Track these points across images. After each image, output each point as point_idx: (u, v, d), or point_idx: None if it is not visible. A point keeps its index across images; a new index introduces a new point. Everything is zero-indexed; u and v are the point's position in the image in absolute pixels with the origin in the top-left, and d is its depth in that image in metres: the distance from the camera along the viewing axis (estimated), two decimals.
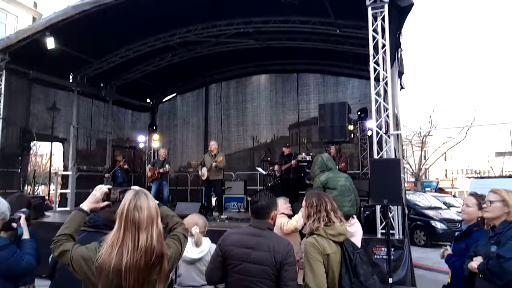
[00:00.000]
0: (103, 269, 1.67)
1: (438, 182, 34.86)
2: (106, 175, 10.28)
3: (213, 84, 14.11)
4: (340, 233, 2.42)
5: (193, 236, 2.76)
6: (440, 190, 29.55)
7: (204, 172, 8.22)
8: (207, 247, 2.81)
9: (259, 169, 10.44)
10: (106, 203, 2.05)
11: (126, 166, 10.10)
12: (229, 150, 13.41)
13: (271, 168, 9.99)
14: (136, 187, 1.89)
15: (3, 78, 8.72)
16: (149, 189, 9.55)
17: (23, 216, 2.72)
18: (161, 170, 9.09)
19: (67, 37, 8.54)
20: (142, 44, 10.33)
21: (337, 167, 8.15)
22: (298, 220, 3.43)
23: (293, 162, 8.69)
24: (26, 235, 2.63)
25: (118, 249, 1.68)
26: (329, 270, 2.35)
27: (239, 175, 12.59)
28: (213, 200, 8.96)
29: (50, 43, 8.10)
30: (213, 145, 8.52)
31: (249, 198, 10.70)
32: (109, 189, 2.05)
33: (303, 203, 2.63)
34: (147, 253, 1.69)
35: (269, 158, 10.64)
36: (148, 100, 14.27)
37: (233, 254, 2.32)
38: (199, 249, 2.74)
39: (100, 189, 2.00)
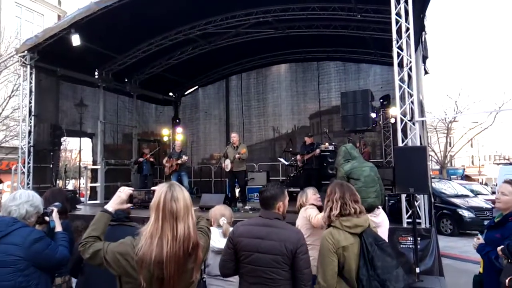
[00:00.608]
0: (144, 261, 1.70)
1: (464, 169, 33.81)
2: (135, 166, 10.59)
3: (234, 76, 14.14)
4: (357, 225, 2.41)
5: (221, 227, 2.82)
6: (467, 178, 28.68)
7: (227, 163, 8.31)
8: None
9: (281, 159, 10.44)
10: (129, 205, 2.14)
11: (152, 159, 10.36)
12: (251, 141, 13.47)
13: (293, 158, 9.97)
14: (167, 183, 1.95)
15: (33, 76, 9.04)
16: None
17: (55, 210, 2.80)
18: (179, 161, 9.25)
19: (91, 34, 8.75)
20: (163, 38, 10.45)
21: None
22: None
23: (316, 151, 8.64)
24: (58, 228, 2.71)
25: (157, 240, 1.71)
26: (345, 262, 2.36)
27: (261, 166, 12.65)
28: (237, 191, 9.05)
29: (75, 40, 8.33)
30: (234, 137, 8.58)
31: None
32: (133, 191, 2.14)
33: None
34: (185, 243, 1.74)
35: (290, 149, 10.62)
36: (170, 94, 14.49)
37: (244, 245, 2.35)
38: (225, 239, 2.79)
39: (125, 191, 2.04)
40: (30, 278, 2.32)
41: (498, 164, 17.80)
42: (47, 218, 2.70)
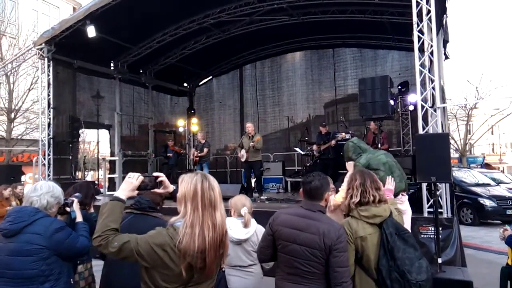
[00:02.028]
0: (188, 250, 1.70)
1: (484, 157, 32.94)
2: (170, 154, 10.82)
3: (248, 65, 14.02)
4: (376, 215, 2.34)
5: (241, 216, 2.79)
6: (487, 166, 27.91)
7: (243, 153, 8.29)
8: (254, 228, 2.84)
9: (297, 149, 10.36)
10: (137, 192, 2.08)
11: (182, 151, 10.54)
12: (266, 131, 13.40)
13: (309, 148, 9.88)
14: (158, 174, 1.99)
15: (51, 68, 9.16)
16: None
17: (75, 200, 2.86)
18: (198, 154, 9.38)
19: (106, 25, 8.79)
20: (177, 27, 10.41)
21: (379, 145, 7.96)
22: (337, 196, 3.33)
23: (332, 142, 8.52)
24: (79, 218, 2.76)
25: (199, 230, 1.73)
26: (364, 253, 2.31)
27: (276, 156, 12.59)
28: (253, 181, 9.05)
29: (91, 31, 8.38)
30: (249, 126, 8.54)
31: (288, 179, 10.72)
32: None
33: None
34: (222, 230, 1.80)
35: (306, 138, 10.51)
36: (185, 84, 14.50)
37: (282, 234, 2.30)
38: (246, 230, 2.78)
39: (137, 177, 1.96)
40: (53, 267, 2.37)
41: None
42: (67, 209, 2.75)
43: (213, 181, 1.86)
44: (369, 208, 2.35)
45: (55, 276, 2.38)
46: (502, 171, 26.90)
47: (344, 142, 8.62)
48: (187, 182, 1.82)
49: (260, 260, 2.53)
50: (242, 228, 2.81)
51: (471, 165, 27.01)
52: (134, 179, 1.94)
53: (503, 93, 24.35)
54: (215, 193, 1.83)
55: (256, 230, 2.84)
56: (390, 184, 3.14)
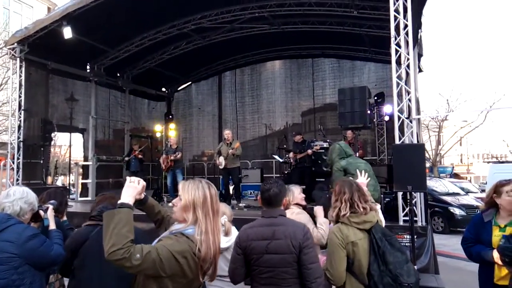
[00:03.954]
0: (206, 257, 1.70)
1: (453, 167, 34.21)
2: (126, 159, 10.45)
3: (228, 72, 14.04)
4: (366, 221, 2.39)
5: (223, 225, 2.76)
6: (456, 176, 28.98)
7: (221, 161, 8.24)
8: (234, 236, 2.80)
9: (276, 156, 10.42)
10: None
11: (140, 156, 10.17)
12: (245, 138, 13.41)
13: (287, 155, 9.94)
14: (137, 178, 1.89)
15: (23, 69, 8.82)
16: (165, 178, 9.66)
17: (50, 207, 2.76)
18: (172, 158, 9.12)
19: (84, 26, 8.58)
20: (157, 32, 10.31)
21: (356, 153, 8.12)
22: (323, 234, 3.10)
23: (309, 151, 8.61)
24: (52, 226, 2.67)
25: (213, 236, 1.74)
26: (355, 258, 2.34)
27: (254, 163, 12.60)
28: (231, 188, 8.98)
29: (67, 32, 8.14)
30: (228, 133, 8.51)
31: None
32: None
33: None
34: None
35: (284, 146, 10.58)
36: (163, 89, 14.33)
37: (253, 249, 2.31)
38: (227, 238, 2.74)
39: (138, 181, 1.86)
40: (24, 276, 2.27)
41: (488, 162, 18.04)
42: (42, 213, 2.64)
43: (215, 188, 1.88)
44: (359, 215, 2.39)
45: (27, 286, 2.29)
46: (470, 181, 27.98)
47: (322, 151, 8.86)
48: (193, 189, 1.79)
49: (234, 282, 2.47)
50: (223, 237, 2.77)
51: (441, 174, 27.98)
52: (136, 183, 1.85)
53: (472, 105, 25.52)
54: (218, 199, 1.86)
55: None
56: (363, 178, 3.20)
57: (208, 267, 1.74)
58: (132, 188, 1.81)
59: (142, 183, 1.87)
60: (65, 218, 3.29)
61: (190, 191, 1.78)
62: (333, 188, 3.29)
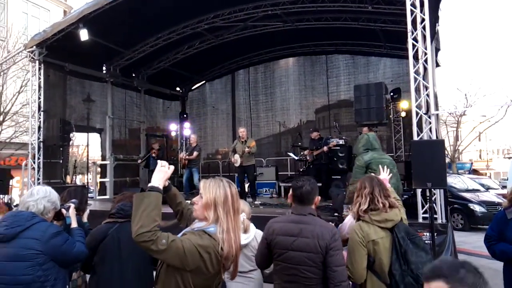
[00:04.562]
0: (229, 256, 1.72)
1: (472, 163, 33.47)
2: (139, 161, 10.58)
3: (241, 70, 14.04)
4: (388, 219, 2.35)
5: (242, 223, 2.76)
6: (474, 172, 28.36)
7: (236, 158, 8.26)
8: (253, 233, 2.81)
9: (291, 154, 10.37)
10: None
11: (154, 155, 10.29)
12: (259, 136, 13.40)
13: (302, 153, 9.90)
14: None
15: (42, 71, 9.02)
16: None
17: (72, 206, 2.81)
18: (186, 156, 9.23)
19: (99, 28, 8.71)
20: (171, 32, 10.38)
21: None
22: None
23: (324, 148, 8.55)
24: (74, 224, 2.72)
25: (234, 235, 1.75)
26: (376, 257, 2.31)
27: (269, 161, 12.59)
28: (246, 186, 9.00)
29: (84, 35, 8.29)
30: (242, 131, 8.53)
31: (281, 184, 10.71)
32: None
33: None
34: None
35: (299, 143, 10.54)
36: (178, 89, 14.44)
37: (277, 243, 2.30)
38: (246, 235, 2.75)
39: (169, 167, 1.86)
40: (49, 273, 2.32)
41: (509, 158, 17.56)
42: (64, 211, 2.70)
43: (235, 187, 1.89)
44: (380, 213, 2.35)
45: (51, 283, 2.33)
46: (490, 177, 27.33)
47: (337, 148, 8.79)
48: (215, 188, 1.79)
49: (260, 268, 2.56)
50: (242, 234, 2.78)
51: (459, 171, 27.41)
52: (167, 167, 1.84)
53: (491, 100, 24.86)
54: (238, 197, 1.86)
55: (256, 235, 2.83)
56: (385, 173, 3.15)
57: (229, 265, 1.75)
58: (163, 173, 1.81)
59: (172, 168, 1.87)
60: (85, 219, 3.31)
61: (211, 189, 1.78)
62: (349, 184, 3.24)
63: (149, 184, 1.74)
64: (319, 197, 2.45)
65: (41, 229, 2.35)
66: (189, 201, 2.13)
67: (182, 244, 1.63)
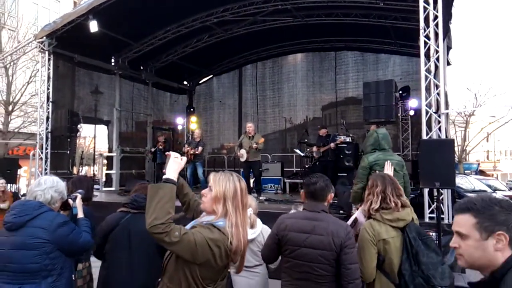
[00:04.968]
0: (238, 250, 1.72)
1: (479, 164, 33.12)
2: (149, 154, 10.62)
3: (249, 65, 13.98)
4: (399, 219, 2.32)
5: (249, 218, 2.76)
6: (481, 173, 28.05)
7: (243, 153, 8.25)
8: (260, 228, 2.80)
9: (297, 150, 10.33)
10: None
11: (160, 147, 10.31)
12: (265, 131, 13.36)
13: (308, 149, 9.86)
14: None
15: (51, 62, 9.07)
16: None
17: (79, 196, 2.84)
18: (192, 151, 9.20)
19: (108, 20, 8.71)
20: (179, 25, 10.36)
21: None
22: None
23: (332, 145, 8.51)
24: (80, 214, 2.75)
25: (243, 229, 1.75)
26: (386, 256, 2.28)
27: (275, 156, 12.56)
28: (251, 181, 9.00)
29: (93, 26, 8.30)
30: (250, 127, 8.49)
31: (286, 180, 10.69)
32: None
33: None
34: None
35: (306, 140, 10.50)
36: (185, 82, 14.43)
37: (289, 239, 2.27)
38: (252, 230, 2.74)
39: (181, 158, 1.85)
40: (56, 262, 2.35)
41: None
42: (70, 201, 2.72)
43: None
44: (392, 212, 2.33)
45: (58, 271, 2.36)
46: (497, 178, 27.04)
47: (344, 145, 8.73)
48: (225, 181, 1.78)
49: (266, 262, 2.56)
50: (249, 229, 2.77)
51: (466, 171, 27.16)
52: (179, 158, 1.83)
53: (501, 100, 24.54)
54: (247, 192, 1.85)
55: (262, 231, 2.82)
56: (388, 170, 3.12)
57: (237, 259, 1.76)
58: (177, 164, 1.81)
59: (184, 159, 1.86)
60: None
61: (221, 183, 1.78)
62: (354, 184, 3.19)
63: (164, 176, 1.74)
64: (332, 194, 2.42)
65: (49, 218, 2.37)
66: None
67: (194, 237, 1.63)
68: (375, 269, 2.29)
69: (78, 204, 2.79)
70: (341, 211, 5.75)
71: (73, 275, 2.53)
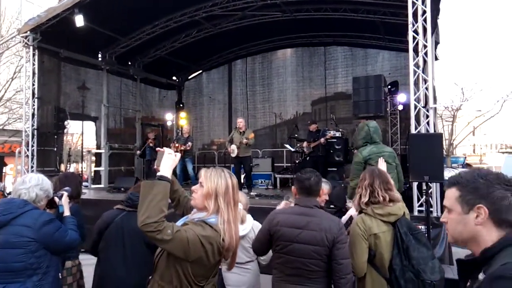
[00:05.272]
0: (230, 247, 1.71)
1: (465, 157, 33.70)
2: (138, 152, 10.50)
3: (239, 60, 13.91)
4: (391, 213, 2.33)
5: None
6: (468, 166, 28.53)
7: (233, 149, 8.22)
8: (250, 224, 2.79)
9: (287, 146, 10.34)
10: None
11: (151, 144, 10.21)
12: (255, 127, 13.31)
13: (298, 145, 9.88)
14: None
15: (36, 57, 8.86)
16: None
17: (65, 194, 2.80)
18: (182, 148, 9.11)
19: (95, 14, 8.54)
20: (168, 20, 10.22)
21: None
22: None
23: (322, 140, 8.54)
24: (67, 212, 2.72)
25: (235, 226, 1.74)
26: (377, 251, 2.29)
27: (265, 152, 12.56)
28: (242, 177, 8.97)
29: (79, 20, 8.13)
30: (241, 122, 8.46)
31: (277, 175, 10.71)
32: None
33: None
34: None
35: (296, 135, 10.51)
36: (174, 78, 14.29)
37: (281, 235, 2.26)
38: (243, 226, 2.72)
39: (175, 154, 1.82)
40: (41, 260, 2.31)
41: (503, 153, 17.71)
42: (56, 199, 2.68)
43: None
44: (383, 206, 2.33)
45: (43, 270, 2.32)
46: None
47: (334, 140, 8.77)
48: (217, 177, 1.76)
49: (257, 254, 2.57)
50: (239, 225, 2.75)
51: (453, 165, 27.59)
52: (173, 155, 1.80)
53: (488, 95, 24.93)
54: (238, 189, 1.84)
55: (253, 226, 2.80)
56: (382, 166, 3.14)
57: (229, 256, 1.75)
58: (172, 160, 1.77)
59: (178, 155, 1.83)
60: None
61: (213, 179, 1.76)
62: (347, 178, 3.21)
63: (158, 173, 1.71)
64: (325, 190, 2.43)
65: (33, 216, 2.33)
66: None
67: (186, 234, 1.61)
68: (365, 263, 2.31)
69: (64, 202, 2.74)
70: (331, 206, 5.78)
71: (59, 274, 2.49)
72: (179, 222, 1.77)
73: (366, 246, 2.31)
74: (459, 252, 7.04)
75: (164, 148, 1.83)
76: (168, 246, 1.60)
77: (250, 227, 2.77)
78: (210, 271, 1.73)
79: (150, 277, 1.80)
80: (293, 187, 2.49)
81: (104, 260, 2.74)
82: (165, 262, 1.71)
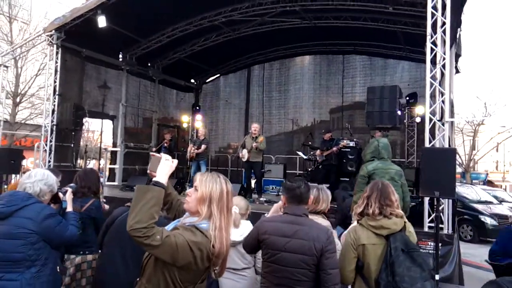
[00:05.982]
0: (220, 254, 1.69)
1: (487, 174, 32.63)
2: (153, 149, 10.66)
3: (256, 66, 13.97)
4: (383, 227, 2.28)
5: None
6: (489, 183, 27.62)
7: (244, 153, 8.22)
8: (248, 230, 2.75)
9: (300, 153, 10.28)
10: None
11: (165, 144, 10.33)
12: (270, 133, 13.33)
13: (311, 152, 9.79)
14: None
15: (59, 56, 9.14)
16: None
17: (69, 190, 2.89)
18: (195, 150, 9.20)
19: (117, 16, 8.75)
20: (188, 23, 10.37)
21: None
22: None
23: (334, 149, 8.44)
24: (69, 208, 2.80)
25: (226, 233, 1.73)
26: (365, 261, 2.26)
27: (278, 158, 12.52)
28: (252, 182, 8.96)
29: (102, 21, 8.34)
30: (255, 127, 8.46)
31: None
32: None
33: None
34: None
35: (310, 143, 10.44)
36: (192, 80, 14.46)
37: (269, 243, 2.24)
38: (240, 231, 2.70)
39: (173, 161, 1.80)
40: (40, 253, 2.37)
41: None
42: (61, 195, 2.74)
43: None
44: (376, 219, 2.29)
45: (42, 262, 2.38)
46: (505, 189, 26.60)
47: (348, 149, 8.66)
48: (211, 182, 1.74)
49: (247, 252, 2.59)
50: (236, 230, 2.73)
51: (473, 181, 26.78)
52: (171, 161, 1.79)
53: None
54: (232, 196, 1.82)
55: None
56: None
57: (219, 263, 1.72)
58: (169, 167, 1.76)
59: (176, 162, 1.82)
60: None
61: (208, 184, 1.74)
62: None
63: (154, 179, 1.70)
64: (312, 197, 2.41)
65: (36, 209, 2.40)
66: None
67: (175, 240, 1.59)
68: (353, 272, 2.28)
69: (68, 198, 2.83)
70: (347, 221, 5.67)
71: (57, 267, 2.53)
72: (170, 226, 1.76)
73: (354, 256, 2.28)
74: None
75: (162, 154, 1.82)
76: (156, 252, 1.58)
77: (247, 233, 2.75)
78: (198, 277, 1.71)
79: (137, 279, 1.79)
80: (282, 196, 2.46)
81: (104, 254, 2.80)
82: (152, 265, 1.69)
